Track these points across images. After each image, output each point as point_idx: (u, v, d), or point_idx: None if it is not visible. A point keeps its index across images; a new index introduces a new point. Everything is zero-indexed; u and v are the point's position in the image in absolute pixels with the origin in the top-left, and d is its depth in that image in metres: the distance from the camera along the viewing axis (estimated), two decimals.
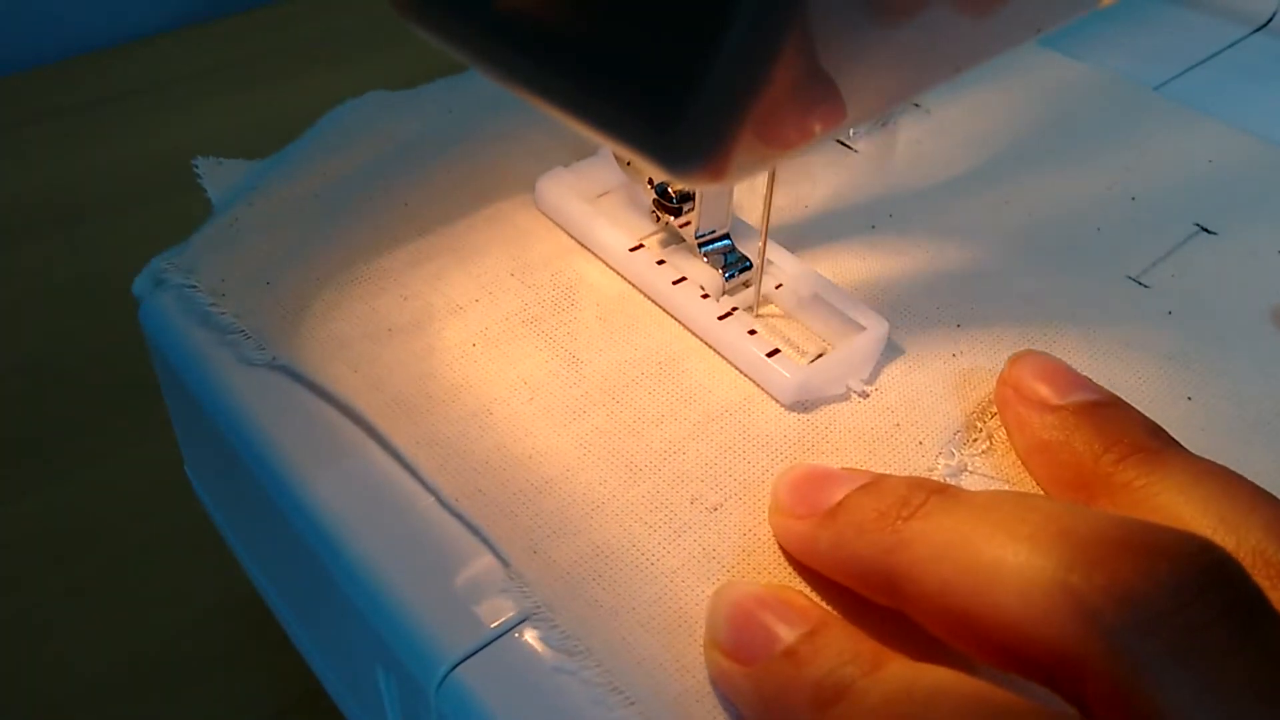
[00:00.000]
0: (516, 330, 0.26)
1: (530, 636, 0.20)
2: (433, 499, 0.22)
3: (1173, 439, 0.22)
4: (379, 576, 0.21)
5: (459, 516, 0.22)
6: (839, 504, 0.20)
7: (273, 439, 0.24)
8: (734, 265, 0.28)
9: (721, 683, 0.20)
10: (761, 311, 0.28)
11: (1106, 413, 0.23)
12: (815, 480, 0.21)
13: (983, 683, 0.17)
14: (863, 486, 0.21)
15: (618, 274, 0.28)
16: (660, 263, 0.27)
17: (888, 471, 0.23)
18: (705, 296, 0.26)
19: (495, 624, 0.20)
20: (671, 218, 0.28)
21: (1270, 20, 0.45)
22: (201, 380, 0.25)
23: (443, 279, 0.28)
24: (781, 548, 0.22)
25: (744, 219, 0.29)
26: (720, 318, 0.26)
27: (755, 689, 0.19)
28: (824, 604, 0.21)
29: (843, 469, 0.22)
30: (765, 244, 0.26)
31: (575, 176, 0.30)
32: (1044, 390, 0.24)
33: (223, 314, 0.25)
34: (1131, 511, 0.21)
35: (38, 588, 0.37)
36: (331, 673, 0.26)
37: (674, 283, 0.27)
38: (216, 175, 0.31)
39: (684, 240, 0.28)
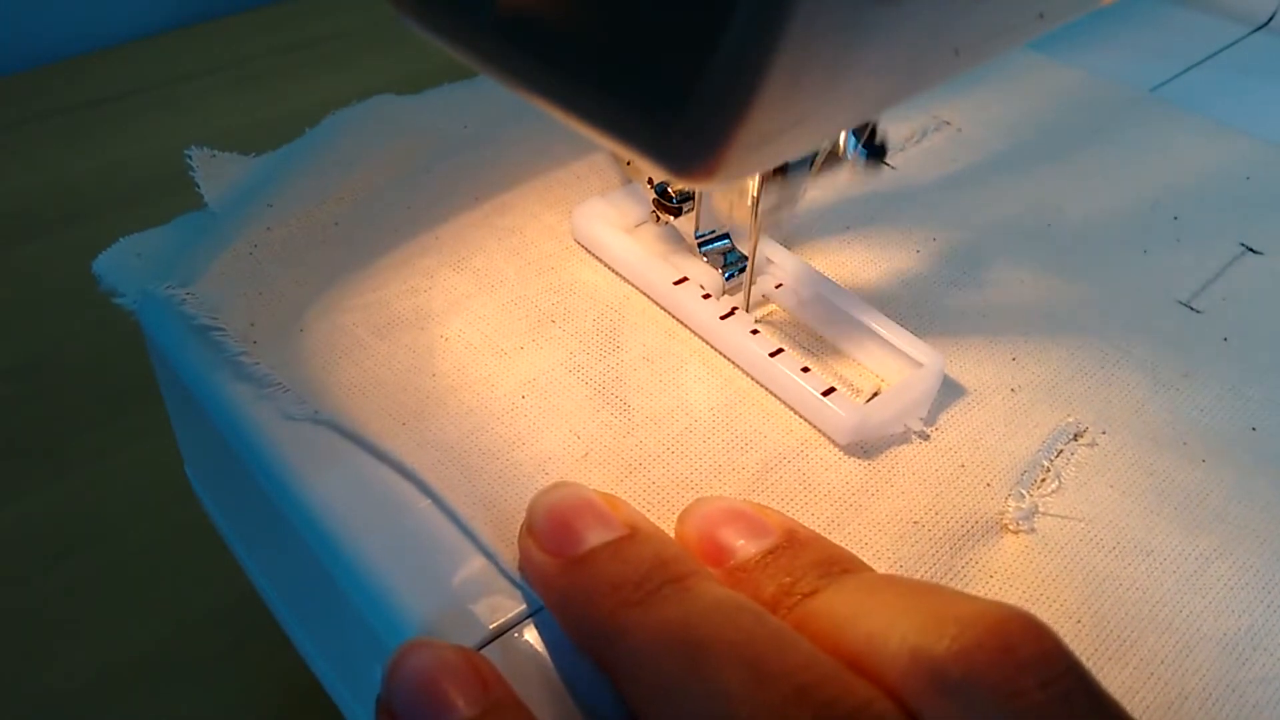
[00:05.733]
0: (564, 379, 0.25)
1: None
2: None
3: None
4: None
5: (507, 575, 0.21)
6: (584, 556, 0.19)
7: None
8: (733, 265, 0.27)
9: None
10: (762, 314, 0.27)
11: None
12: (572, 513, 0.20)
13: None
14: (613, 544, 0.19)
15: (661, 308, 0.27)
16: (706, 296, 0.26)
17: (956, 517, 0.22)
18: (755, 333, 0.25)
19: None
20: (671, 218, 0.28)
21: (1270, 20, 0.44)
22: (228, 420, 0.24)
23: (484, 321, 0.26)
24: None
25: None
26: (771, 354, 0.24)
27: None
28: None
29: (607, 502, 0.20)
30: (755, 242, 0.25)
31: (611, 207, 0.28)
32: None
33: (256, 364, 0.24)
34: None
35: (38, 588, 0.36)
36: (331, 672, 0.26)
37: (721, 318, 0.25)
38: (210, 168, 0.29)
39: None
